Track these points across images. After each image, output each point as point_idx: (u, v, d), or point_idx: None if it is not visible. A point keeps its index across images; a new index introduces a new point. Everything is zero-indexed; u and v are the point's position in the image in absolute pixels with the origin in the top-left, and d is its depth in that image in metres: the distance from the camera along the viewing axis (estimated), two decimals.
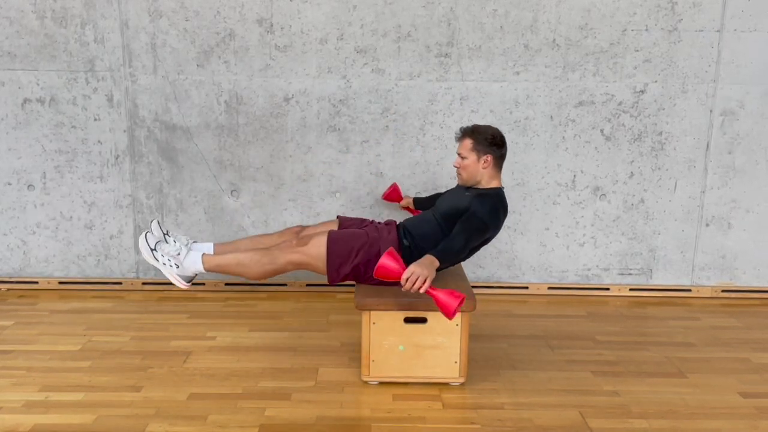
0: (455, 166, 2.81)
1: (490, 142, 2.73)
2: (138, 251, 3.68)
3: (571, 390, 2.63)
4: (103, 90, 3.53)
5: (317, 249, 2.72)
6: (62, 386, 2.59)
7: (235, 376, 2.70)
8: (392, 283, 2.50)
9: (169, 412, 2.40)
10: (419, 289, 2.33)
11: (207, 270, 2.78)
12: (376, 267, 2.38)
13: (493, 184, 2.78)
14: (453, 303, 2.31)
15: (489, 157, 2.73)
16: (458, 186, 2.89)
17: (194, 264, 2.77)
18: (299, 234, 2.94)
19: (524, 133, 3.60)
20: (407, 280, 2.34)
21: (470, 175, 2.77)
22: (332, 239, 2.72)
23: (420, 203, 3.35)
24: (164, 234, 2.84)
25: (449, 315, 2.32)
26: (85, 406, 2.44)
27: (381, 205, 3.66)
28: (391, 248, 2.43)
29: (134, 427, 2.30)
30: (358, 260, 2.69)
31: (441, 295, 2.34)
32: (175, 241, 2.83)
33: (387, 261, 2.36)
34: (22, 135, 3.57)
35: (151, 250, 2.75)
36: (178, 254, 2.77)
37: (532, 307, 3.58)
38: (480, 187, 2.77)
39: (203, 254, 2.79)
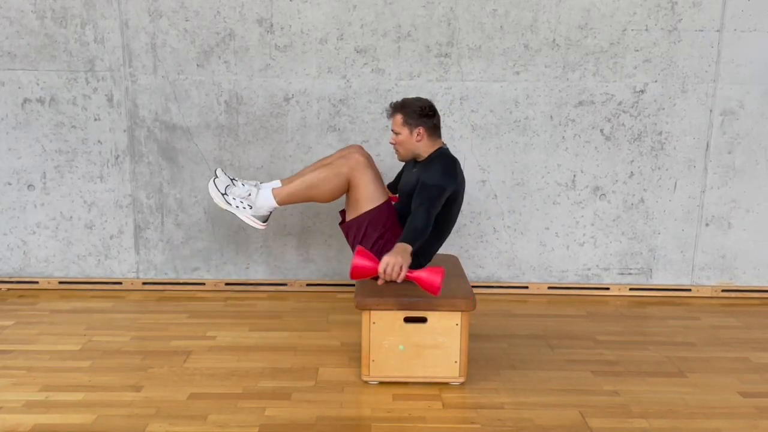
0: (391, 143, 2.81)
1: (419, 113, 2.72)
2: (138, 252, 3.69)
3: (571, 390, 2.63)
4: (103, 90, 3.53)
5: (365, 190, 2.72)
6: (62, 386, 2.59)
7: (236, 376, 2.70)
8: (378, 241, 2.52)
9: (170, 412, 2.40)
10: (398, 277, 2.34)
11: (279, 203, 2.77)
12: (351, 269, 2.39)
13: (434, 149, 2.77)
14: (436, 279, 2.33)
15: (421, 129, 2.73)
16: (406, 164, 2.89)
17: (267, 200, 2.76)
18: (360, 151, 2.88)
19: (524, 132, 3.60)
20: (384, 272, 2.35)
21: (407, 150, 2.77)
22: (374, 213, 2.73)
23: (392, 188, 3.23)
24: (231, 180, 2.84)
25: (435, 291, 2.34)
26: (85, 405, 2.44)
27: None
28: (359, 247, 2.44)
29: (134, 427, 2.30)
30: (368, 245, 2.71)
31: (422, 274, 2.36)
32: (243, 185, 2.81)
33: (359, 261, 2.38)
34: (22, 135, 3.57)
35: (222, 194, 2.74)
36: (249, 195, 2.77)
37: (532, 307, 3.58)
38: (422, 158, 2.77)
39: (273, 189, 2.78)
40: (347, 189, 2.77)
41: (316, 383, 2.65)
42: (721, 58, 3.54)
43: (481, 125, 3.58)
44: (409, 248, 2.42)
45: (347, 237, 2.83)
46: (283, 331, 3.19)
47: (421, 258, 2.75)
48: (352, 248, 2.79)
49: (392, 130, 2.78)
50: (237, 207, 2.76)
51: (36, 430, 2.27)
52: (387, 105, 3.49)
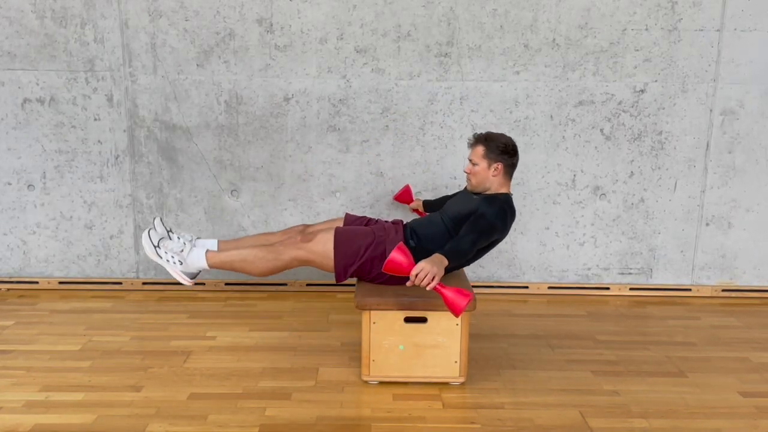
0: (466, 172, 2.83)
1: (501, 150, 2.74)
2: (139, 250, 3.69)
3: (571, 389, 2.63)
4: (103, 90, 3.53)
5: (323, 246, 2.73)
6: (62, 386, 2.59)
7: (236, 376, 2.70)
8: (397, 280, 2.51)
9: (170, 412, 2.40)
10: (428, 285, 2.34)
11: (210, 267, 2.79)
12: (385, 261, 2.39)
13: (502, 191, 2.79)
14: (462, 302, 2.33)
15: (500, 166, 2.74)
16: (466, 191, 2.90)
17: (198, 260, 2.77)
18: (304, 231, 2.94)
19: (524, 132, 3.60)
20: (416, 276, 2.35)
21: (479, 182, 2.78)
22: (339, 237, 2.73)
23: (429, 206, 3.34)
24: (168, 231, 2.85)
25: (457, 313, 2.34)
26: (85, 406, 2.44)
27: (381, 204, 3.66)
28: (401, 243, 2.44)
29: (134, 427, 2.30)
30: (364, 258, 2.70)
31: (449, 293, 2.35)
32: (179, 238, 2.83)
33: (397, 255, 2.37)
34: (22, 135, 3.57)
35: (155, 247, 2.75)
36: (182, 251, 2.77)
37: (532, 307, 3.58)
38: (488, 193, 2.79)
39: (207, 251, 2.79)
40: (290, 268, 2.80)
41: (317, 383, 2.65)
42: (721, 57, 3.54)
43: (481, 125, 3.58)
44: (446, 261, 2.44)
45: (356, 275, 2.79)
46: (283, 331, 3.19)
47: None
48: (370, 279, 2.76)
49: (470, 159, 2.80)
50: (167, 261, 2.76)
51: (36, 430, 2.27)
52: (388, 105, 3.50)
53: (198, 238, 2.94)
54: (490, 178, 2.76)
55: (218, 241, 2.93)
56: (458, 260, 2.56)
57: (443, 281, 2.43)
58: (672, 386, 2.67)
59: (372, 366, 2.61)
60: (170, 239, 2.82)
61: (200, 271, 2.83)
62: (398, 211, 3.63)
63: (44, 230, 3.67)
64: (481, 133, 2.83)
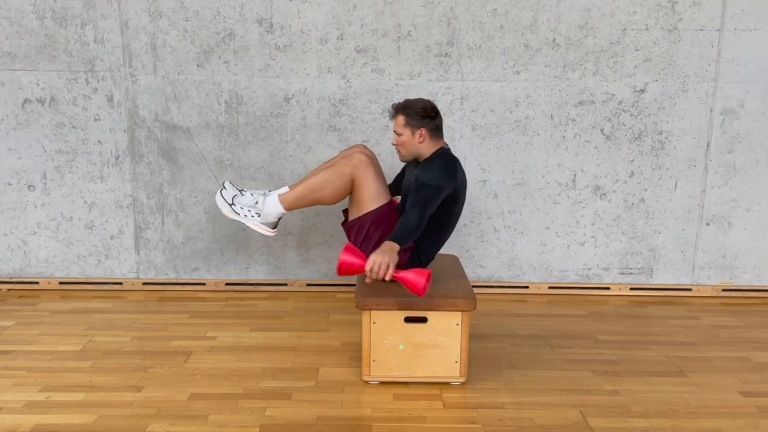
0: (393, 144, 2.81)
1: (422, 115, 2.71)
2: (140, 250, 3.69)
3: (571, 389, 2.63)
4: (103, 90, 3.53)
5: (368, 190, 2.72)
6: (63, 386, 2.59)
7: (236, 376, 2.70)
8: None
9: (170, 412, 2.40)
10: (384, 276, 2.35)
11: (287, 209, 2.78)
12: (338, 266, 2.40)
13: (435, 149, 2.76)
14: (420, 280, 2.34)
15: (423, 131, 2.71)
16: (407, 164, 2.88)
17: (274, 207, 2.78)
18: (365, 151, 2.88)
19: (524, 132, 3.60)
20: (371, 270, 2.36)
21: (409, 151, 2.76)
22: (382, 209, 2.73)
23: (393, 190, 3.22)
24: (239, 191, 2.85)
25: (419, 293, 2.35)
26: (85, 406, 2.44)
27: None
28: (348, 243, 2.45)
29: (135, 427, 2.30)
30: (376, 234, 2.72)
31: (408, 275, 2.37)
32: (252, 194, 2.83)
33: (347, 257, 2.39)
34: (22, 135, 3.57)
35: (230, 204, 2.76)
36: (257, 203, 2.78)
37: (532, 307, 3.58)
38: (423, 158, 2.77)
39: (279, 195, 2.79)
40: (352, 189, 2.77)
41: (317, 383, 2.65)
42: (722, 57, 3.54)
43: (481, 125, 3.58)
44: (396, 247, 2.43)
45: (349, 236, 2.83)
46: (283, 331, 3.19)
47: (422, 257, 2.75)
48: (358, 242, 2.78)
49: (394, 131, 2.77)
50: (245, 216, 2.78)
51: (36, 431, 2.27)
52: (388, 105, 3.50)
53: (270, 190, 2.91)
54: (417, 145, 2.73)
55: (288, 186, 2.89)
56: (411, 237, 2.51)
57: (442, 282, 2.43)
58: (672, 386, 2.67)
59: (372, 366, 2.61)
60: (243, 196, 2.82)
61: (280, 219, 2.84)
62: None
63: (45, 230, 3.67)
64: (399, 102, 2.79)
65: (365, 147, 2.89)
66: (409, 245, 2.66)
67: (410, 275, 2.36)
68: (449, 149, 2.78)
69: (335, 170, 2.74)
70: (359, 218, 2.76)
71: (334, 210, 3.65)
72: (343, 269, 2.39)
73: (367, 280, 2.41)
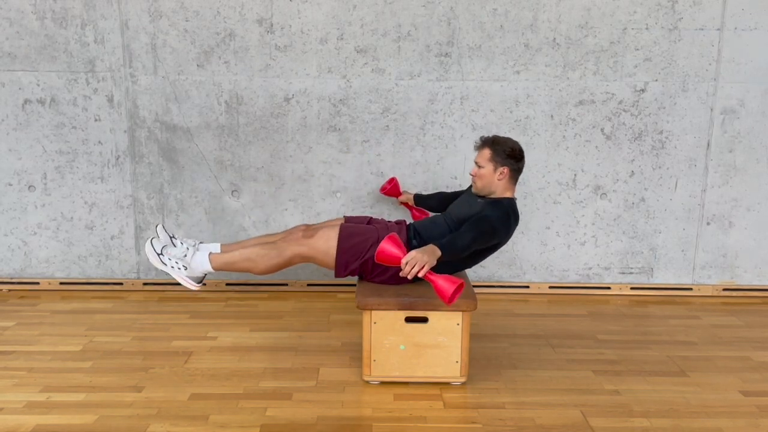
0: (471, 174, 2.83)
1: (508, 154, 2.74)
2: (140, 251, 3.69)
3: (572, 389, 2.62)
4: (103, 90, 3.54)
5: (325, 242, 2.74)
6: (63, 387, 2.60)
7: (236, 376, 2.70)
8: (396, 278, 2.52)
9: (171, 413, 2.40)
10: (418, 273, 2.36)
11: (215, 269, 2.80)
12: (377, 251, 2.40)
13: (507, 195, 2.79)
14: (450, 288, 2.34)
15: (506, 170, 2.75)
16: (470, 193, 2.90)
17: (202, 264, 2.79)
18: (306, 230, 2.95)
19: (525, 132, 3.60)
20: (407, 263, 2.37)
21: (485, 185, 2.78)
22: (344, 233, 2.75)
23: (421, 200, 3.34)
24: (171, 237, 2.86)
25: (446, 300, 2.35)
26: (86, 406, 2.45)
27: (382, 204, 3.66)
28: (393, 233, 2.45)
29: (135, 428, 2.30)
30: (367, 257, 2.70)
31: (439, 280, 2.37)
32: (182, 243, 2.84)
33: (388, 245, 2.40)
34: (22, 136, 3.57)
35: (158, 254, 2.76)
36: (185, 256, 2.79)
37: (533, 307, 3.58)
38: (493, 197, 2.78)
39: (210, 253, 2.80)
40: (292, 264, 2.81)
41: (317, 383, 2.65)
42: (722, 56, 3.54)
43: (481, 125, 3.58)
44: (438, 253, 2.45)
45: (357, 273, 2.79)
46: (284, 331, 3.19)
47: (441, 269, 2.74)
48: (371, 278, 2.77)
49: (476, 162, 2.79)
50: (172, 267, 2.77)
51: (37, 431, 2.27)
52: (388, 105, 3.50)
53: (201, 242, 2.95)
54: (495, 182, 2.76)
55: (221, 245, 2.95)
56: (453, 254, 2.55)
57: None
58: (673, 385, 2.67)
59: (373, 366, 2.61)
60: (174, 245, 2.83)
61: (205, 275, 2.85)
62: (399, 212, 3.63)
63: (45, 231, 3.68)
64: (489, 137, 2.83)
65: (306, 227, 2.98)
66: (451, 263, 2.66)
67: (442, 281, 2.36)
68: (516, 203, 2.81)
69: (275, 249, 2.77)
70: (340, 260, 2.74)
71: (334, 210, 3.66)
72: (381, 256, 2.41)
73: (401, 274, 2.41)
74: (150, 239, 2.79)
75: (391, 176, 3.57)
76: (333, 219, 3.16)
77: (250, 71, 3.53)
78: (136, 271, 3.73)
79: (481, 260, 2.81)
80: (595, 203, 3.69)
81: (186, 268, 2.78)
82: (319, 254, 2.76)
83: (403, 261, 2.38)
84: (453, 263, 2.73)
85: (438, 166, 3.62)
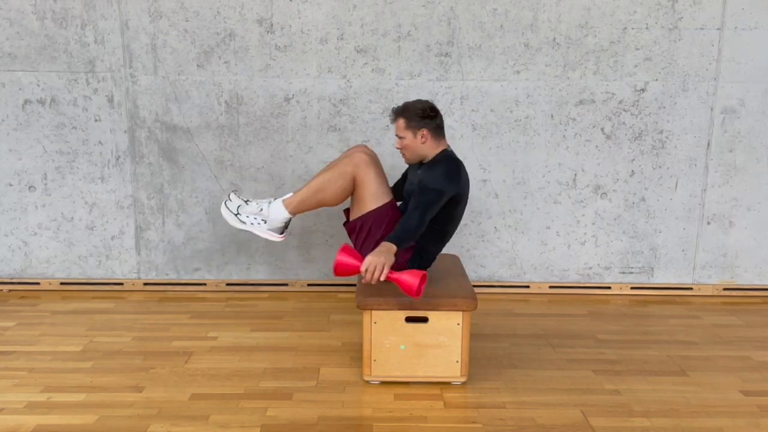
0: (396, 148, 2.82)
1: (421, 116, 2.71)
2: (141, 250, 3.69)
3: (572, 389, 2.62)
4: (103, 91, 3.54)
5: (375, 185, 2.73)
6: (64, 387, 2.60)
7: (237, 376, 2.70)
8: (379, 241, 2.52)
9: (171, 413, 2.41)
10: (379, 277, 2.36)
11: (292, 213, 2.80)
12: (334, 266, 2.40)
13: (439, 150, 2.76)
14: (414, 281, 2.35)
15: (425, 132, 2.71)
16: (410, 168, 2.90)
17: (279, 212, 2.80)
18: (365, 149, 2.89)
19: (525, 132, 3.60)
20: (366, 271, 2.36)
21: (413, 154, 2.77)
22: (385, 206, 2.73)
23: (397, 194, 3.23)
24: (244, 201, 2.86)
25: (413, 294, 2.36)
26: (86, 406, 2.45)
27: None
28: (345, 245, 2.45)
29: (136, 428, 2.30)
30: (377, 233, 2.71)
31: (402, 276, 2.38)
32: (256, 203, 2.84)
33: (343, 258, 2.40)
34: (22, 136, 3.58)
35: (235, 214, 2.77)
36: (261, 210, 2.80)
37: (533, 306, 3.58)
38: (427, 160, 2.77)
39: (283, 200, 2.80)
40: (353, 189, 2.78)
41: (318, 383, 2.65)
42: (722, 56, 3.54)
43: (481, 125, 3.58)
44: (393, 248, 2.43)
45: (351, 236, 2.83)
46: (284, 331, 3.19)
47: (423, 258, 2.75)
48: (357, 247, 2.78)
49: (396, 135, 2.77)
50: (252, 224, 2.80)
51: (38, 431, 2.28)
52: (388, 105, 3.50)
53: (275, 198, 2.93)
54: (421, 146, 2.73)
55: (293, 192, 2.91)
56: (409, 239, 2.51)
57: (443, 281, 2.43)
58: (673, 385, 2.67)
59: (373, 366, 2.61)
60: (247, 205, 2.83)
61: (287, 226, 2.86)
62: None
63: (45, 231, 3.68)
64: (398, 106, 2.79)
65: (366, 147, 2.89)
66: (409, 246, 2.66)
67: (404, 276, 2.37)
68: (452, 151, 2.78)
69: (336, 170, 2.75)
70: (361, 217, 2.76)
71: (334, 210, 3.65)
72: (339, 270, 2.40)
73: (363, 281, 2.42)
74: (224, 201, 2.82)
75: (393, 181, 3.52)
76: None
77: (250, 71, 3.53)
78: (136, 272, 3.74)
79: (458, 219, 2.76)
80: (595, 203, 3.69)
81: (265, 222, 2.79)
82: (361, 182, 2.73)
83: (362, 269, 2.37)
84: (440, 239, 2.73)
85: None
